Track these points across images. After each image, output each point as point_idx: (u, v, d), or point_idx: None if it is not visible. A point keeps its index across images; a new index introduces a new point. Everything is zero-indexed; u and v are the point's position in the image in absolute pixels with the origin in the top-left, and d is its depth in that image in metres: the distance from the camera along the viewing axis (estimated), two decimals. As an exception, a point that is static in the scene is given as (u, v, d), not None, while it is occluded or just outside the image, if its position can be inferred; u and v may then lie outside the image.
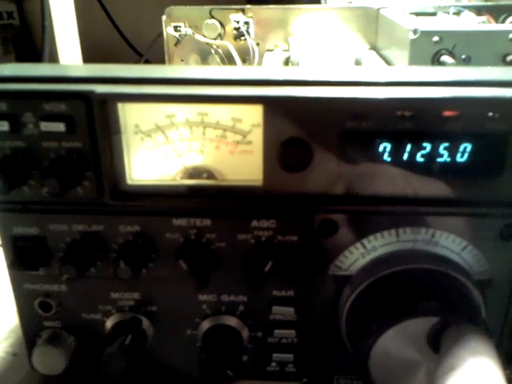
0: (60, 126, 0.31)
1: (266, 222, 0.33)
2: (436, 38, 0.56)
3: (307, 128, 0.30)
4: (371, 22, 0.74)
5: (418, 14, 0.69)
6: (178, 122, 0.32)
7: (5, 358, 0.42)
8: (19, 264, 0.34)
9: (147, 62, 0.96)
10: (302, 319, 0.35)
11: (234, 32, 0.77)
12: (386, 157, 0.31)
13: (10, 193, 0.31)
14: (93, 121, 0.31)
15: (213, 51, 0.79)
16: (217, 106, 0.31)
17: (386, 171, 0.31)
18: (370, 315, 0.30)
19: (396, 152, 0.31)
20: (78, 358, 0.37)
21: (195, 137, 0.32)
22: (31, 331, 0.38)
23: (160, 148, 0.32)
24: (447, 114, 0.29)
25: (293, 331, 0.36)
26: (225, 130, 0.32)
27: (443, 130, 0.30)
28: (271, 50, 0.78)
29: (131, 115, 0.32)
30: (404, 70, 0.39)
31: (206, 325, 0.35)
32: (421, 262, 0.31)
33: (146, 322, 0.36)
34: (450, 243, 0.32)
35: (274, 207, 0.33)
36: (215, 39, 0.77)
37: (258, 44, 0.78)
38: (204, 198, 0.33)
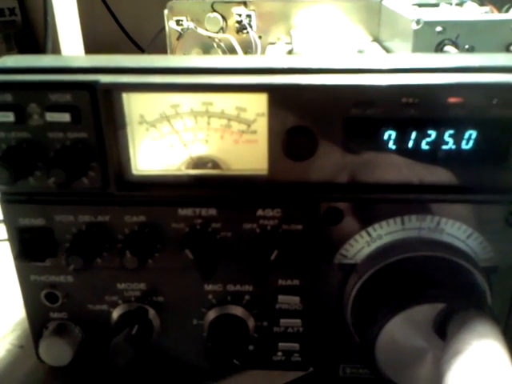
0: (65, 117, 0.31)
1: (271, 210, 0.33)
2: (439, 29, 0.56)
3: (312, 116, 0.30)
4: (374, 14, 0.74)
5: (420, 5, 0.69)
6: (182, 111, 0.32)
7: (12, 350, 0.42)
8: (25, 255, 0.34)
9: (149, 56, 0.96)
10: (308, 308, 0.35)
11: (236, 25, 0.77)
12: (391, 144, 0.31)
13: (16, 184, 0.31)
14: (98, 111, 0.31)
15: (215, 45, 0.79)
16: (221, 95, 0.31)
17: (391, 159, 0.31)
18: (376, 303, 0.30)
19: (401, 139, 0.31)
20: (84, 348, 0.38)
21: (200, 126, 0.32)
22: (38, 323, 0.38)
23: (165, 138, 0.32)
24: (452, 100, 0.29)
25: (298, 320, 0.36)
26: (229, 119, 0.32)
27: (448, 116, 0.30)
28: (273, 43, 0.78)
29: (136, 105, 0.32)
30: (408, 57, 0.39)
31: (211, 314, 0.35)
32: (426, 250, 0.31)
33: (152, 312, 0.36)
34: (455, 231, 0.32)
35: (279, 196, 0.33)
36: (217, 33, 0.77)
37: (260, 37, 0.77)
38: (209, 188, 0.33)
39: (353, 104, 0.30)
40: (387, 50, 0.68)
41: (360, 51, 0.65)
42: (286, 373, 0.38)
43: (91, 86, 0.30)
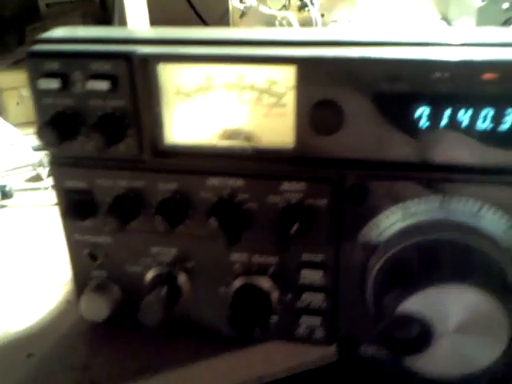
0: (104, 85, 0.32)
1: (296, 184, 0.33)
2: (506, 5, 0.52)
3: (340, 89, 0.30)
4: (443, -9, 0.71)
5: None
6: (216, 84, 0.32)
7: (60, 304, 0.45)
8: (69, 214, 0.37)
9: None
10: (331, 283, 0.35)
11: (299, 3, 0.76)
12: (423, 121, 0.30)
13: (63, 148, 0.34)
14: (134, 80, 0.32)
15: (277, 23, 0.79)
16: (253, 67, 0.31)
17: (421, 136, 0.30)
18: (391, 286, 0.30)
19: (432, 116, 0.30)
20: (121, 306, 0.40)
21: (232, 99, 0.33)
22: (81, 280, 0.40)
23: (198, 109, 0.33)
24: (488, 76, 0.28)
25: (322, 295, 0.36)
26: (261, 92, 0.32)
27: (484, 93, 0.28)
28: (336, 21, 0.76)
29: (172, 76, 0.33)
30: (444, 31, 0.37)
31: (237, 283, 0.36)
32: (445, 231, 0.30)
33: (182, 277, 0.37)
34: (490, 216, 0.31)
35: (304, 170, 0.33)
36: (280, 10, 0.77)
37: (322, 15, 0.76)
38: (238, 159, 0.34)
39: (382, 78, 0.29)
40: (452, 29, 0.65)
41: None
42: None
43: (128, 56, 0.32)
